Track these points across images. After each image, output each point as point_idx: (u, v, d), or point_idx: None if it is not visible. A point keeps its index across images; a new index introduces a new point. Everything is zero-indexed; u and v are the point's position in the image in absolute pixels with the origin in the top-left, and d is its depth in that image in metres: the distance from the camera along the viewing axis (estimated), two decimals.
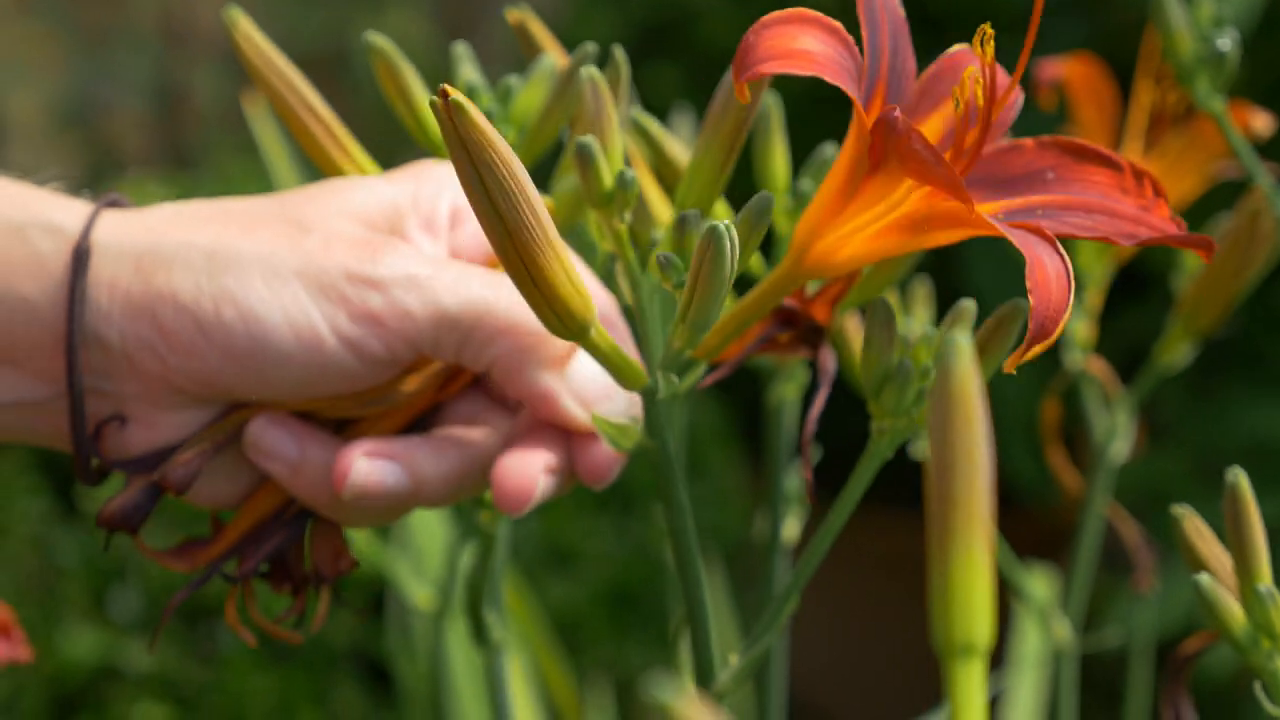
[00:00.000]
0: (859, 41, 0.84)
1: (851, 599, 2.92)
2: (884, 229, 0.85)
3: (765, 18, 0.80)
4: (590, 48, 0.94)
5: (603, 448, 0.92)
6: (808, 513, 1.17)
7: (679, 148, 1.03)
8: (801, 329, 0.95)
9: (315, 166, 0.98)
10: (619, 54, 0.93)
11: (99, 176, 3.65)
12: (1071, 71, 1.31)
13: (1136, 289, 2.41)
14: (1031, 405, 2.48)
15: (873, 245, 0.86)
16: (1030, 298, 0.77)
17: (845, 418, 1.46)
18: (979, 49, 0.84)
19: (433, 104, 0.76)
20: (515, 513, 0.90)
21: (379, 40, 0.97)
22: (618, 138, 0.89)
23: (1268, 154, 1.27)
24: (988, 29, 0.84)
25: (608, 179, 0.87)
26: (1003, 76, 0.87)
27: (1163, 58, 1.17)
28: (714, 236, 0.80)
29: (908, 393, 0.85)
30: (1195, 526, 0.94)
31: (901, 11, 0.87)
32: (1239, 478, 0.90)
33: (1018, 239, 0.78)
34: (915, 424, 0.86)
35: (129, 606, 2.06)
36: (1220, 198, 1.56)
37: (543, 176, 0.88)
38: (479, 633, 1.05)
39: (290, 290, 0.85)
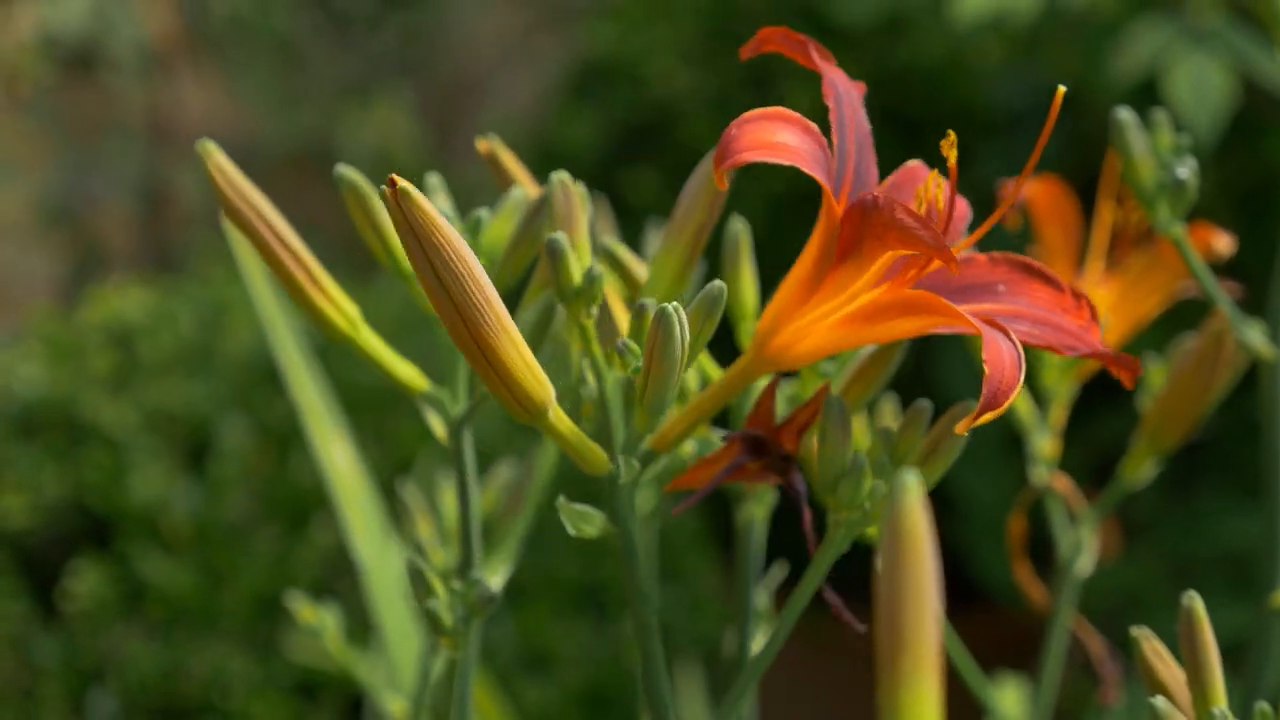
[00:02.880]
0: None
1: (829, 691, 2.92)
2: (845, 318, 0.89)
3: (746, 114, 0.86)
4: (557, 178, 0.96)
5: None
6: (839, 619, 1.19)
7: (645, 270, 1.05)
8: (771, 457, 0.97)
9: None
10: (579, 190, 0.95)
11: (84, 275, 3.66)
12: (1035, 192, 1.33)
13: (1109, 392, 2.43)
14: (1004, 505, 2.49)
15: (834, 335, 0.90)
16: (985, 368, 0.82)
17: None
18: (946, 152, 0.89)
19: (382, 193, 0.80)
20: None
21: (348, 173, 0.99)
22: (586, 238, 0.93)
23: (1253, 235, 1.29)
24: (953, 135, 0.89)
25: (577, 275, 0.90)
26: (954, 189, 0.93)
27: (1124, 182, 1.19)
28: (663, 318, 0.85)
29: (862, 486, 0.89)
30: (1153, 649, 0.95)
31: (867, 125, 0.92)
32: (1193, 602, 0.92)
33: (976, 322, 0.84)
34: (869, 516, 0.90)
35: (107, 708, 2.06)
36: (1188, 315, 1.58)
37: (511, 309, 0.91)
38: None
39: None
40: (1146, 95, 2.23)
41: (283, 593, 1.99)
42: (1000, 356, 0.84)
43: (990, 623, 2.52)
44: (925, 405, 0.93)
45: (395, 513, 1.47)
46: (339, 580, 2.10)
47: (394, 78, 4.56)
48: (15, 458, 2.16)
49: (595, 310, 0.92)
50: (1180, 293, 1.33)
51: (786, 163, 0.85)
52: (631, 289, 1.06)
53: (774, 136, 0.86)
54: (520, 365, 0.84)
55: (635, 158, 3.04)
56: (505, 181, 1.03)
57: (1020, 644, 2.30)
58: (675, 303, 0.85)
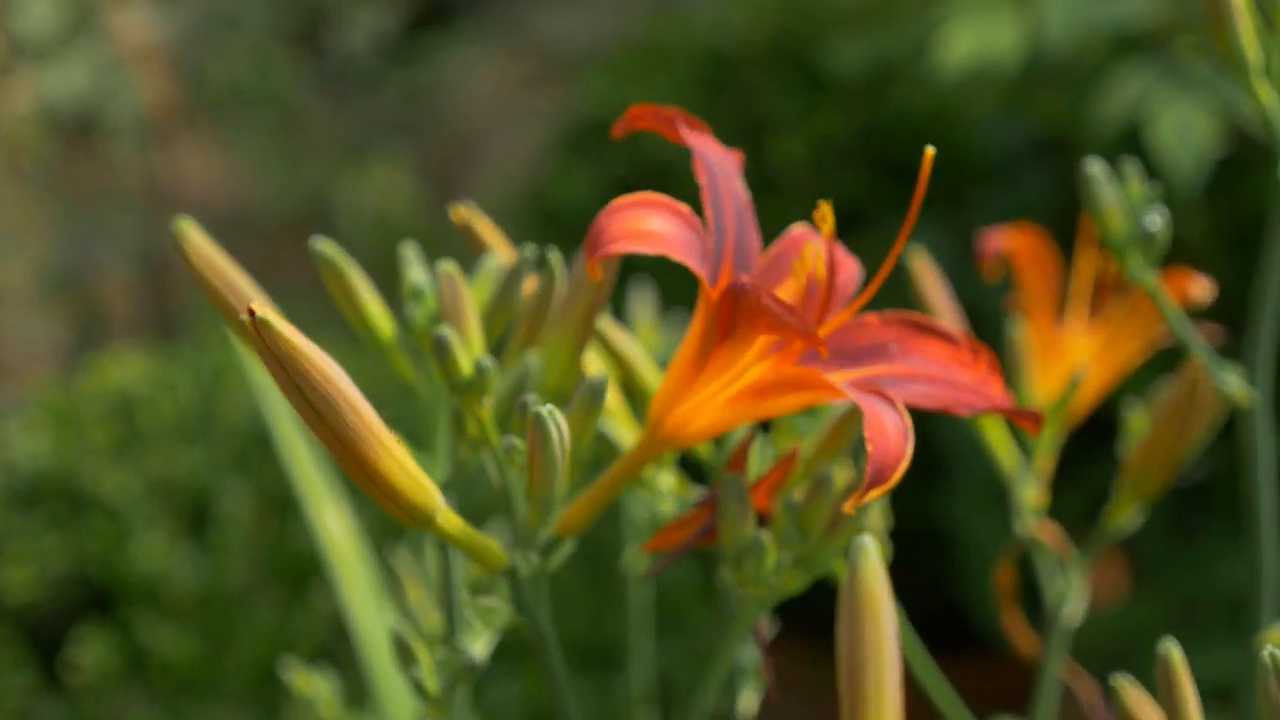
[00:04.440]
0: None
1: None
2: (734, 397, 0.90)
3: (615, 201, 0.86)
4: (529, 251, 0.97)
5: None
6: (764, 686, 1.19)
7: (627, 342, 1.06)
8: None
9: None
10: (555, 259, 0.96)
11: (87, 341, 3.68)
12: (1015, 242, 1.34)
13: (1106, 433, 2.43)
14: (1002, 548, 2.49)
15: (725, 413, 0.90)
16: (868, 446, 0.81)
17: None
18: (818, 223, 0.89)
19: (241, 322, 0.80)
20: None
21: (325, 246, 1.00)
22: (477, 329, 0.93)
23: (1245, 276, 1.29)
24: (824, 206, 0.89)
25: (466, 368, 0.91)
26: (841, 252, 0.93)
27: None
28: (539, 423, 0.85)
29: (765, 563, 0.89)
30: (1135, 698, 0.96)
31: (746, 194, 0.92)
32: (1170, 650, 0.93)
33: (856, 396, 0.84)
34: (776, 591, 0.90)
35: None
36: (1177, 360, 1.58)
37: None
38: None
39: None
40: (1133, 139, 2.24)
41: (285, 658, 1.99)
42: (884, 430, 0.83)
43: (991, 667, 2.52)
44: (828, 476, 0.93)
45: (390, 577, 1.47)
46: (341, 644, 2.10)
47: (393, 137, 4.57)
48: (17, 529, 2.17)
49: (488, 401, 0.92)
50: (1162, 338, 1.34)
51: (656, 252, 0.85)
52: (619, 363, 1.07)
53: (643, 224, 0.86)
54: (401, 476, 0.84)
55: None
56: (480, 248, 1.04)
57: (1021, 688, 2.30)
58: (550, 405, 0.85)
